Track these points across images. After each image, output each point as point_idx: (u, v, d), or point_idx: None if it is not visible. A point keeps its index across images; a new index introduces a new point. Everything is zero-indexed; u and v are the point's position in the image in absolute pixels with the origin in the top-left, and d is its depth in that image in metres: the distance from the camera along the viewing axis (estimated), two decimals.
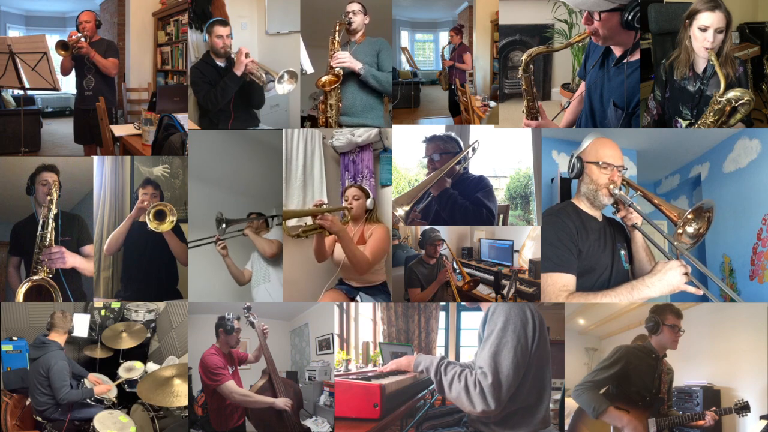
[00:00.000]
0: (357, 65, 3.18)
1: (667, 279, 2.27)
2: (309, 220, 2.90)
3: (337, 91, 3.21)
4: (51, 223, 3.00)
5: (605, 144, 2.53)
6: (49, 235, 3.00)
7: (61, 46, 3.49)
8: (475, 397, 1.87)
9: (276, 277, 3.30)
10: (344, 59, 3.17)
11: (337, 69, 3.18)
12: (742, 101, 2.59)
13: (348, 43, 3.28)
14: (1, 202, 3.19)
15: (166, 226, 3.02)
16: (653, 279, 2.30)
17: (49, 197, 3.03)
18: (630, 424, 2.64)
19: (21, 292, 2.96)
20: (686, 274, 2.25)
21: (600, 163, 2.49)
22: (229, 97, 3.32)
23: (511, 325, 1.93)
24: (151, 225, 3.00)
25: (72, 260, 3.05)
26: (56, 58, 3.51)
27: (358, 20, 3.24)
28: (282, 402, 2.88)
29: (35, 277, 2.97)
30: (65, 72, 3.62)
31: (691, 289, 2.25)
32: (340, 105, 3.24)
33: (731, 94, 2.59)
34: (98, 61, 3.59)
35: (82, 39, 3.52)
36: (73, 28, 3.68)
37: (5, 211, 3.18)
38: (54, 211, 3.02)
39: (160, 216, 3.01)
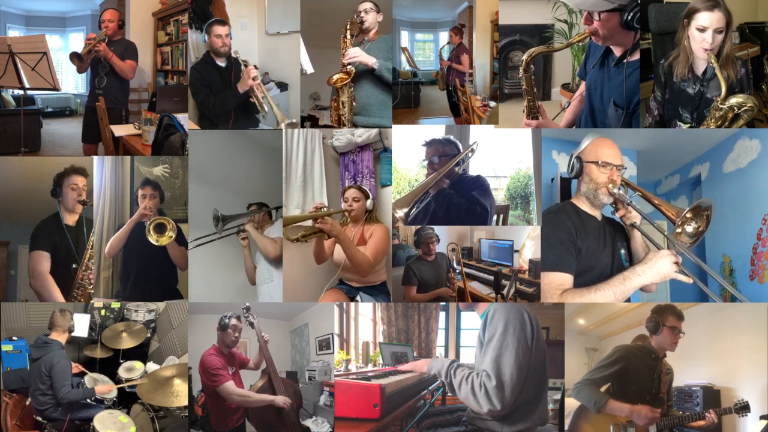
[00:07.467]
0: (370, 60, 3.16)
1: (658, 267, 2.28)
2: (309, 223, 2.90)
3: (349, 88, 3.18)
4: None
5: (604, 143, 2.54)
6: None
7: (76, 57, 3.47)
8: (480, 398, 1.95)
9: (278, 278, 3.27)
10: (356, 54, 3.15)
11: (349, 66, 3.16)
12: (746, 107, 2.56)
13: (362, 42, 3.26)
14: None
15: (165, 240, 3.05)
16: (644, 267, 2.31)
17: (79, 197, 3.13)
18: (634, 413, 2.63)
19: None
20: (677, 263, 2.27)
21: (599, 162, 2.49)
22: (227, 109, 3.33)
23: (511, 328, 1.99)
24: (151, 238, 3.04)
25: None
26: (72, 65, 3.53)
27: (371, 18, 3.22)
28: (281, 400, 2.90)
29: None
30: (81, 70, 3.58)
31: (681, 278, 2.27)
32: (354, 104, 3.21)
33: (734, 100, 2.56)
34: (115, 63, 3.52)
35: (102, 40, 3.47)
36: (73, 29, 3.67)
37: (4, 211, 3.17)
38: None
39: (160, 229, 3.05)
